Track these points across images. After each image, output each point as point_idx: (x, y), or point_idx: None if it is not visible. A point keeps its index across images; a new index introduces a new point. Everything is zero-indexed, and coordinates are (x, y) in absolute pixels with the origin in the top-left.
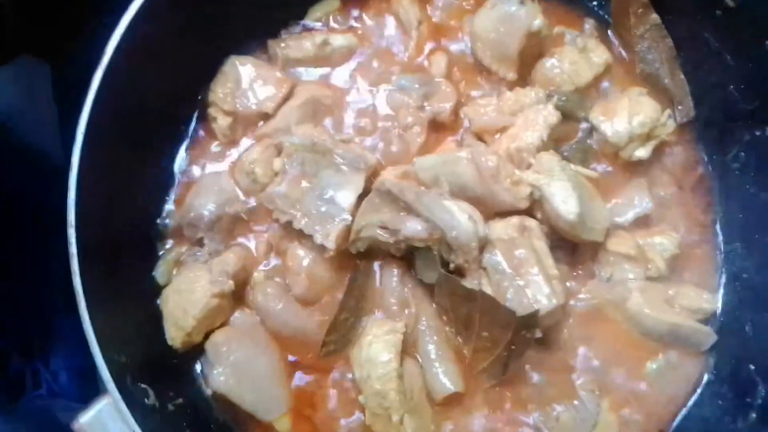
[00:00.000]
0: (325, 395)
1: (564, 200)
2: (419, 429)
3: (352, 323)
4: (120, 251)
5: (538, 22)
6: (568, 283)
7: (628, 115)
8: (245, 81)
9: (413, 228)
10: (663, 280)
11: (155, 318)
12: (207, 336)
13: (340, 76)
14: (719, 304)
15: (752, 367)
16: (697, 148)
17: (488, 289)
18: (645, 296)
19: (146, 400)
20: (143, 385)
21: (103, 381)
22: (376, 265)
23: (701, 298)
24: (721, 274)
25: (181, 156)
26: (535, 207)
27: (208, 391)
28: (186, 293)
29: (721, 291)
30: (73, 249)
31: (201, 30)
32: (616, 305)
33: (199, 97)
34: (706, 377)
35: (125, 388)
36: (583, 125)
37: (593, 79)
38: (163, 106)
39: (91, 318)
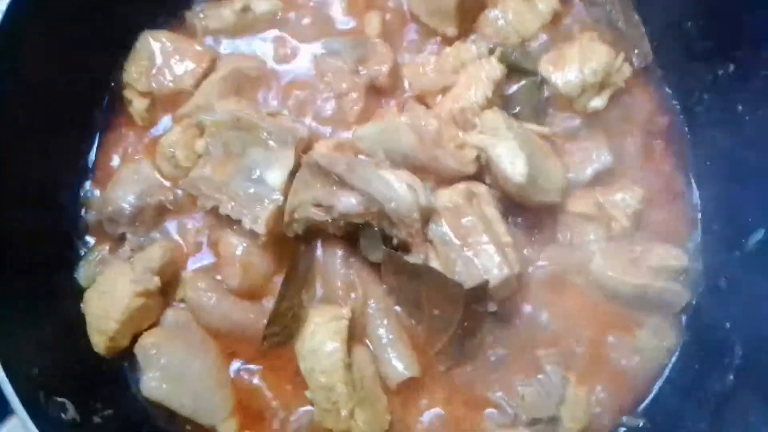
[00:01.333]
0: (272, 392)
1: (511, 161)
2: (372, 421)
3: (295, 313)
4: (33, 252)
5: None
6: (525, 251)
7: (580, 62)
8: (160, 57)
9: (348, 203)
10: (628, 238)
11: (78, 324)
12: (136, 339)
13: (265, 44)
14: (698, 262)
15: (728, 324)
16: (659, 94)
17: (436, 264)
18: (608, 258)
19: (63, 415)
20: (60, 399)
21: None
22: (317, 248)
23: (670, 255)
24: (692, 228)
25: (96, 145)
26: (483, 171)
27: (144, 399)
28: (107, 294)
29: (692, 246)
30: None
31: (109, 5)
32: (578, 270)
33: (112, 81)
34: (681, 340)
35: (36, 405)
36: (533, 78)
37: (540, 29)
38: (72, 90)
39: None
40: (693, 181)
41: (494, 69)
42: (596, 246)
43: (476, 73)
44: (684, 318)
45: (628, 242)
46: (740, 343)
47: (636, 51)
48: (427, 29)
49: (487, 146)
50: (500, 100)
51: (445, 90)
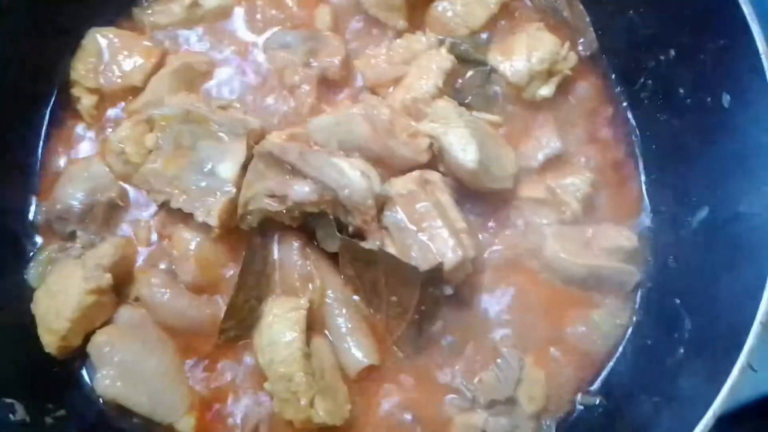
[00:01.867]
0: (230, 387)
1: (462, 148)
2: (333, 410)
3: (252, 306)
4: None
5: None
6: (480, 236)
7: (527, 51)
8: (108, 54)
9: (301, 191)
10: (580, 222)
11: (29, 324)
12: (89, 338)
13: (215, 38)
14: (647, 241)
15: (678, 300)
16: (605, 81)
17: (392, 250)
18: (560, 241)
19: (12, 416)
20: (8, 400)
21: None
22: (273, 240)
23: (620, 236)
24: (641, 209)
25: (44, 143)
26: (437, 160)
27: (99, 398)
28: (58, 293)
29: (641, 227)
30: None
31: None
32: (532, 254)
33: (59, 77)
34: (634, 319)
35: None
36: (482, 68)
37: (488, 20)
38: (17, 88)
39: None
40: (640, 164)
41: (444, 60)
42: (549, 230)
43: (427, 64)
44: (637, 296)
45: (579, 225)
46: (689, 318)
47: (581, 40)
48: (377, 22)
49: (439, 134)
50: (451, 90)
51: (396, 81)
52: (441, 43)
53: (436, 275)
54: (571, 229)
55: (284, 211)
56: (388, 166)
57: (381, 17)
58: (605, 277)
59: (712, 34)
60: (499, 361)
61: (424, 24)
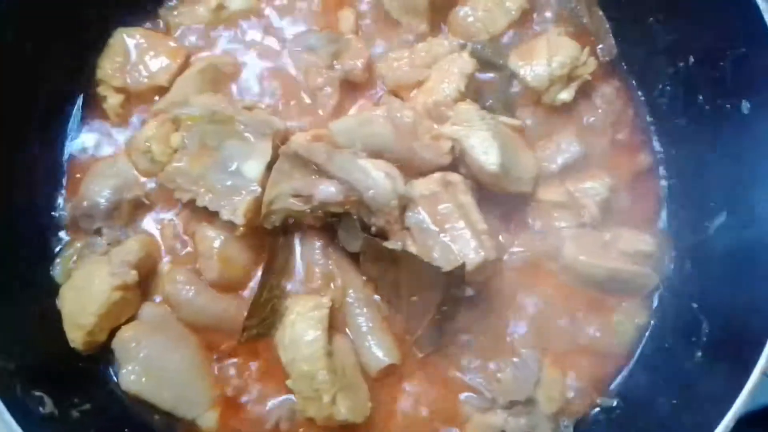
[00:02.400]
0: (252, 384)
1: (485, 151)
2: (354, 407)
3: (274, 304)
4: (7, 250)
5: None
6: (500, 237)
7: (547, 56)
8: (135, 54)
9: (327, 191)
10: (598, 225)
11: (55, 319)
12: (114, 334)
13: (240, 39)
14: (665, 245)
15: (695, 305)
16: (624, 86)
17: (414, 250)
18: (579, 244)
19: (41, 408)
20: (38, 393)
21: None
22: (296, 240)
23: (638, 240)
24: (659, 213)
25: (71, 140)
26: (458, 162)
27: (123, 393)
28: (84, 289)
29: (659, 230)
30: None
31: (83, 1)
32: (550, 256)
33: (86, 75)
34: (651, 322)
35: (13, 397)
36: (503, 72)
37: (508, 26)
38: (45, 86)
39: None
40: (659, 168)
41: (466, 63)
42: (568, 232)
43: (449, 68)
44: (654, 300)
45: (598, 228)
46: (707, 321)
47: (601, 45)
48: (399, 25)
49: (461, 137)
50: (472, 93)
51: (418, 84)
52: (463, 47)
53: (458, 276)
54: (590, 232)
55: (308, 211)
56: (410, 168)
57: (403, 21)
58: (624, 279)
59: (733, 42)
60: (517, 361)
61: (444, 28)
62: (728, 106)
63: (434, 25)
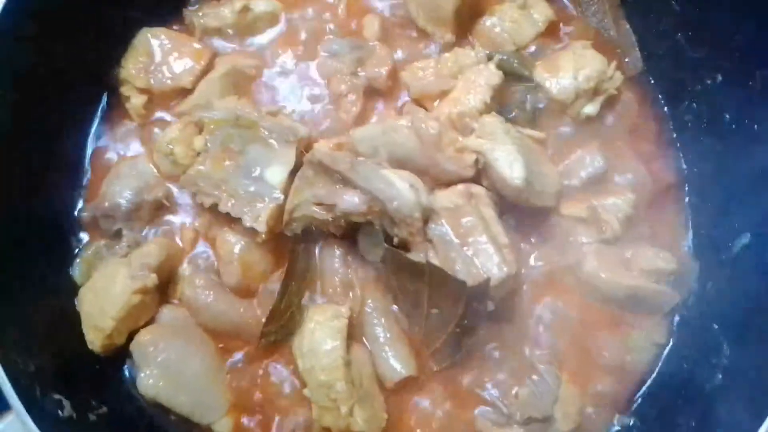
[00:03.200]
0: (268, 391)
1: (509, 165)
2: (371, 419)
3: (293, 312)
4: (27, 249)
5: None
6: (521, 251)
7: (573, 70)
8: (159, 54)
9: (350, 201)
10: (619, 242)
11: (73, 321)
12: (132, 337)
13: (264, 43)
14: (687, 264)
15: (716, 326)
16: (650, 101)
17: (435, 262)
18: (600, 260)
19: (60, 412)
20: (57, 396)
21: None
22: (316, 247)
23: (659, 258)
24: (681, 232)
25: (92, 140)
26: (481, 174)
27: (140, 397)
28: (103, 291)
29: (681, 249)
30: None
31: (107, 1)
32: (571, 271)
33: (109, 75)
34: (671, 341)
35: (33, 401)
36: (528, 84)
37: (535, 38)
38: (68, 85)
39: None
40: (682, 186)
41: (493, 75)
42: (589, 248)
43: (475, 79)
44: (674, 319)
45: (619, 245)
46: (728, 343)
47: (627, 60)
48: (424, 34)
49: (486, 150)
50: (497, 105)
51: (443, 94)
52: (489, 58)
53: (483, 291)
54: (611, 248)
55: (330, 220)
56: (432, 179)
57: (429, 30)
58: (644, 297)
59: (762, 62)
60: (535, 377)
61: (470, 38)
62: (756, 126)
63: (460, 35)
